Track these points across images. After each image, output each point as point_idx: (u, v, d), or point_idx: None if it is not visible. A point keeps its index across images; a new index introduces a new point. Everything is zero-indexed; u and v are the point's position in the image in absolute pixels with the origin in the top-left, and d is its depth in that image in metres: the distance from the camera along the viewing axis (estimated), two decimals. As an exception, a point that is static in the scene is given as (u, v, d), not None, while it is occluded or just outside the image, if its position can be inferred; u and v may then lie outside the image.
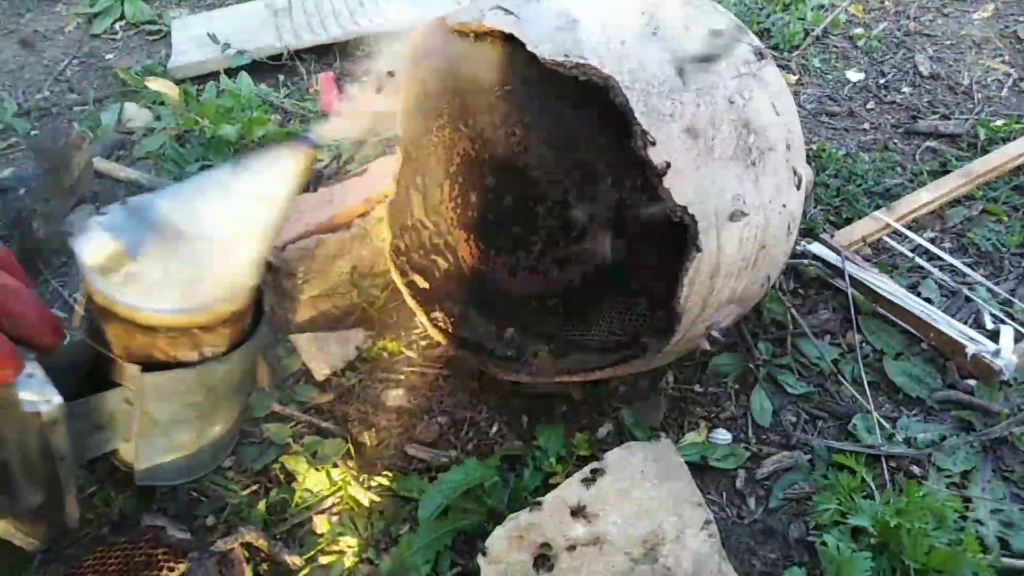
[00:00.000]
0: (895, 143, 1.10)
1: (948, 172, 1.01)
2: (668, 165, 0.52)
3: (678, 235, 0.55)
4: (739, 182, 0.55)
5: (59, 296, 0.89)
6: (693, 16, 0.59)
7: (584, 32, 0.55)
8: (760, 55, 0.60)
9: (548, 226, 0.63)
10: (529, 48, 0.54)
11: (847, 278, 0.82)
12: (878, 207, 0.96)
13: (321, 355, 0.77)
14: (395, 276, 0.76)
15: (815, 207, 0.96)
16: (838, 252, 0.84)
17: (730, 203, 0.54)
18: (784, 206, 0.59)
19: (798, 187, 0.61)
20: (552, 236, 0.63)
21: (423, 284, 0.74)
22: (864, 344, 0.80)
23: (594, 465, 0.61)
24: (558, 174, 0.60)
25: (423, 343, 0.81)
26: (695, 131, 0.53)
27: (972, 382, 0.74)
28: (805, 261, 0.86)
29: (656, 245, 0.58)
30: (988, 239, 0.92)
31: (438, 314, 0.73)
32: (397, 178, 0.75)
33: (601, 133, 0.57)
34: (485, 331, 0.70)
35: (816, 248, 0.86)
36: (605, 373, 0.63)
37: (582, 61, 0.53)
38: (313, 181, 1.02)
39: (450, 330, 0.73)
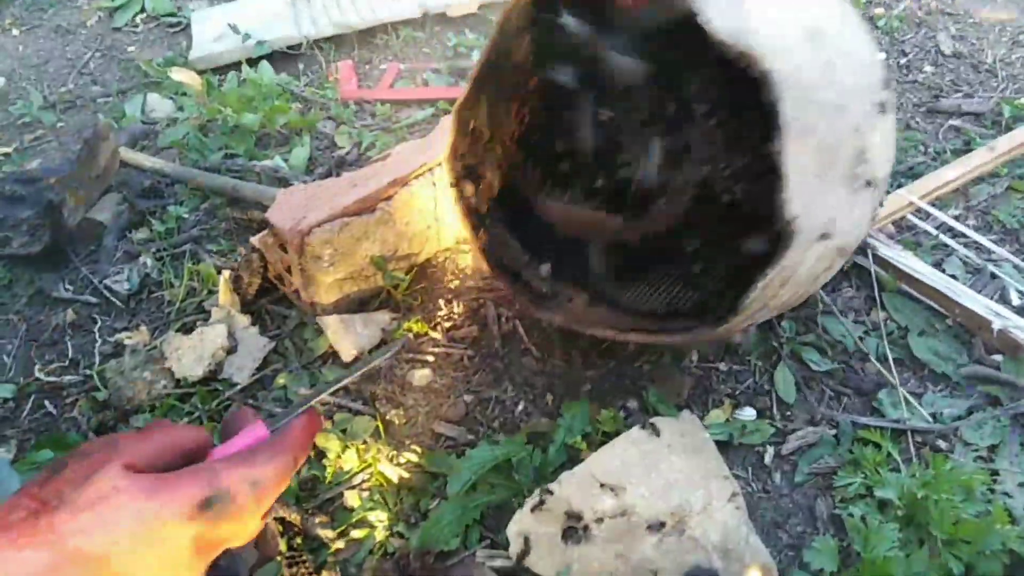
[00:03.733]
0: (917, 122, 1.09)
1: (972, 150, 1.00)
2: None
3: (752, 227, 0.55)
4: (838, 206, 0.54)
5: (89, 283, 0.91)
6: (858, 34, 0.57)
7: (754, 14, 0.51)
8: (888, 87, 0.59)
9: (618, 177, 0.64)
10: (701, 20, 0.50)
11: (870, 256, 0.82)
12: (901, 186, 0.95)
13: (348, 336, 0.78)
14: (448, 175, 0.75)
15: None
16: (861, 230, 0.84)
17: (824, 224, 0.54)
18: (860, 234, 0.59)
19: (872, 220, 0.61)
20: (618, 189, 0.64)
21: (470, 192, 0.75)
22: (889, 321, 0.80)
23: (620, 439, 0.62)
24: (646, 130, 0.61)
25: (447, 324, 0.82)
26: (824, 147, 0.52)
27: (999, 357, 0.74)
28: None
29: (732, 238, 0.58)
30: (1013, 215, 0.91)
31: (481, 231, 0.74)
32: (472, 83, 0.71)
33: (710, 108, 0.57)
34: (523, 260, 0.72)
35: (839, 226, 0.85)
36: (632, 337, 0.64)
37: (749, 50, 0.50)
38: (335, 166, 1.03)
39: (489, 248, 0.73)
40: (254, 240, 0.84)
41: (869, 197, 0.57)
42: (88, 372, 0.79)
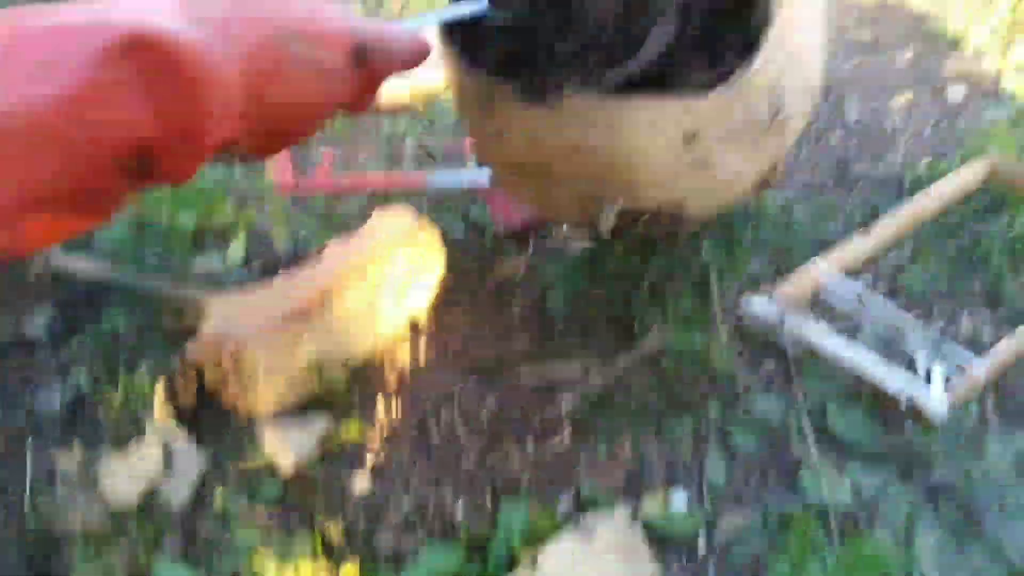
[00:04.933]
0: (830, 190, 1.15)
1: (879, 217, 1.06)
2: None
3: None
4: None
5: (19, 403, 0.90)
6: None
7: None
8: None
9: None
10: None
11: (786, 332, 0.86)
12: (816, 255, 1.01)
13: (285, 445, 0.79)
14: None
15: (756, 259, 1.01)
16: (777, 306, 0.88)
17: None
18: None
19: None
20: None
21: None
22: (808, 395, 0.83)
23: (553, 548, 0.64)
24: None
25: (386, 425, 0.83)
26: None
27: (911, 428, 0.78)
28: (746, 317, 0.90)
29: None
30: (918, 282, 0.97)
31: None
32: None
33: None
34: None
35: (757, 303, 0.90)
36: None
37: None
38: (271, 264, 1.04)
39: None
40: (190, 349, 0.84)
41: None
42: (16, 500, 0.78)
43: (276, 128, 0.36)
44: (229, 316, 0.82)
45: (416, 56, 0.41)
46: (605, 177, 0.62)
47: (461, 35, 0.62)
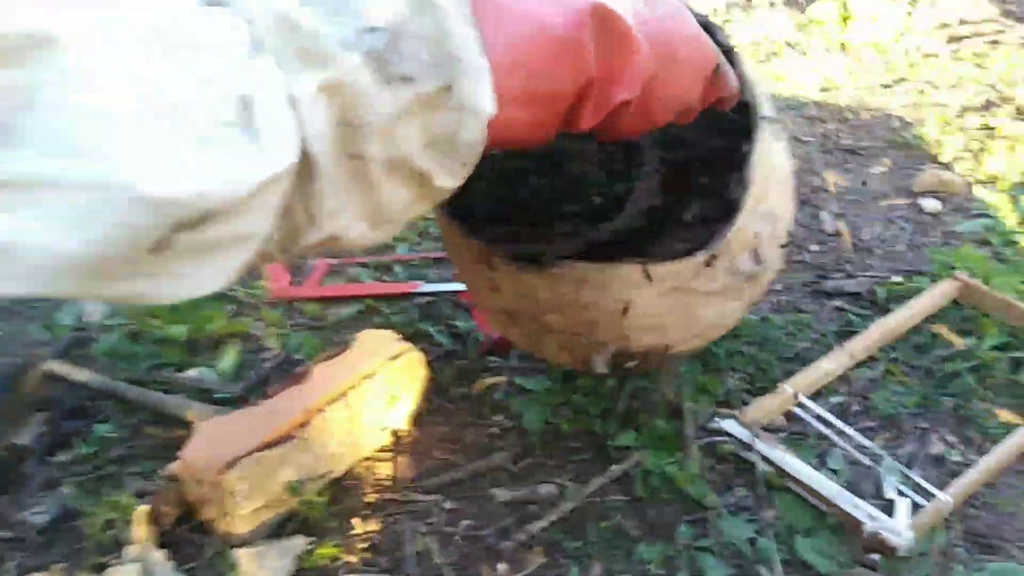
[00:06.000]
0: (805, 303, 1.19)
1: (853, 332, 1.09)
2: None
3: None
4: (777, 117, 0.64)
5: (3, 516, 0.92)
6: None
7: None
8: None
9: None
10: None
11: (757, 455, 0.88)
12: (790, 373, 1.03)
13: (261, 569, 0.80)
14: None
15: (731, 375, 1.03)
16: (748, 428, 0.90)
17: (776, 121, 0.62)
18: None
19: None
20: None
21: None
22: (778, 520, 0.85)
23: None
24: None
25: (362, 545, 0.85)
26: None
27: (877, 556, 0.79)
28: (719, 439, 0.92)
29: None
30: (889, 401, 0.99)
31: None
32: None
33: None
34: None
35: (729, 425, 0.92)
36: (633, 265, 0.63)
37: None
38: (262, 375, 1.06)
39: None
40: (172, 469, 0.87)
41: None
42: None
43: (651, 109, 0.46)
44: (214, 437, 0.85)
45: (736, 94, 0.53)
46: (596, 327, 0.65)
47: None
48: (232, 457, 0.82)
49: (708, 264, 0.62)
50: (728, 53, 0.60)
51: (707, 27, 0.62)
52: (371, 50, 0.32)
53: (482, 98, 0.35)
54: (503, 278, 0.64)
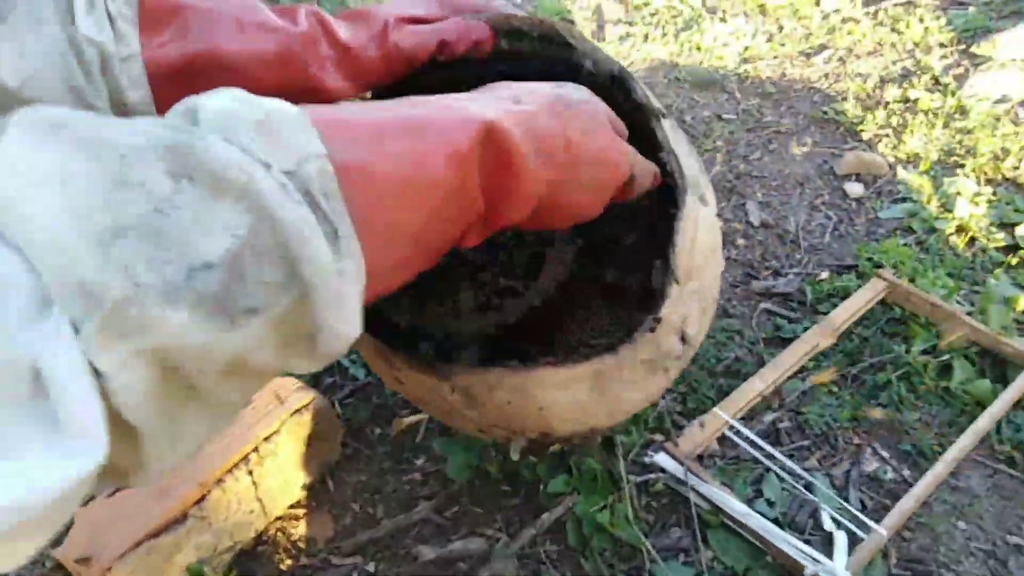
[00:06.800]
0: (734, 306, 1.15)
1: (783, 339, 1.06)
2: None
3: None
4: (701, 176, 0.59)
5: None
6: None
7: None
8: None
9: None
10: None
11: (691, 494, 0.84)
12: (721, 388, 1.00)
13: (162, 670, 0.73)
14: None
15: (662, 398, 0.99)
16: (681, 463, 0.86)
17: (700, 186, 0.57)
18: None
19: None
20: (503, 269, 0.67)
21: None
22: (715, 561, 0.82)
23: None
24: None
25: (276, 627, 0.78)
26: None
27: (816, 597, 0.77)
28: (652, 476, 0.88)
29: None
30: (821, 416, 0.96)
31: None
32: None
33: None
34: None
35: (662, 459, 0.88)
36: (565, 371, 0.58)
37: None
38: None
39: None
40: (57, 555, 0.77)
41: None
42: None
43: (542, 221, 0.42)
44: (96, 524, 0.75)
45: (653, 185, 0.51)
46: (514, 422, 0.59)
47: None
48: (119, 550, 0.73)
49: (633, 352, 0.55)
50: (646, 112, 0.53)
51: (624, 84, 0.54)
52: (203, 294, 0.24)
53: (344, 324, 0.29)
54: (407, 377, 0.57)
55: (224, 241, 0.25)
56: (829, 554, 0.78)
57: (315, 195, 0.27)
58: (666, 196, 0.55)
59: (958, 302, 1.09)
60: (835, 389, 1.00)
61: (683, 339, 0.58)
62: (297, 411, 0.86)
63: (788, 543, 0.78)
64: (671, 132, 0.55)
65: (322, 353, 0.29)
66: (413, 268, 0.34)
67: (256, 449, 0.82)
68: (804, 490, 0.87)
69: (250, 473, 0.81)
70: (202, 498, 0.78)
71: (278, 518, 0.88)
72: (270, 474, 0.84)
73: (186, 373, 0.26)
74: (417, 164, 0.32)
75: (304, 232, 0.26)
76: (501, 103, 0.38)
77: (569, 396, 0.54)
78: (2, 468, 0.21)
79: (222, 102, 0.27)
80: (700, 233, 0.56)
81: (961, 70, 1.64)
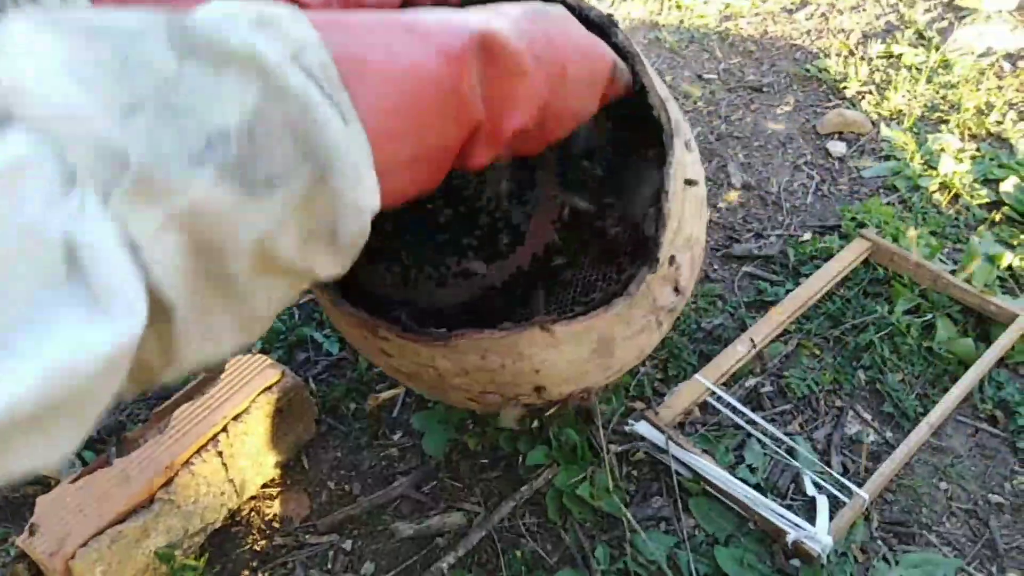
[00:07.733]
0: (715, 270, 1.13)
1: (765, 302, 1.05)
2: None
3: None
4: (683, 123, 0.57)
5: None
6: None
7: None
8: None
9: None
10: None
11: (672, 462, 0.83)
12: (702, 353, 0.98)
13: (134, 656, 0.71)
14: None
15: (642, 364, 0.97)
16: (662, 431, 0.85)
17: (685, 132, 0.56)
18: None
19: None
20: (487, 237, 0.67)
21: None
22: (697, 529, 0.81)
23: None
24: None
25: (251, 608, 0.76)
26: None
27: (798, 563, 0.76)
28: (633, 445, 0.86)
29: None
30: (803, 379, 0.95)
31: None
32: None
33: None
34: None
35: (642, 428, 0.86)
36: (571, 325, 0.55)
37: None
38: (108, 453, 0.93)
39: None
40: (20, 543, 0.75)
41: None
42: None
43: (547, 129, 0.41)
44: (60, 512, 0.73)
45: (631, 85, 0.48)
46: (508, 386, 0.57)
47: None
48: (82, 538, 0.70)
49: (628, 307, 0.53)
50: (627, 57, 0.50)
51: (603, 28, 0.52)
52: (224, 159, 0.26)
53: (363, 194, 0.30)
54: (395, 347, 0.54)
55: (236, 109, 0.26)
56: (811, 519, 0.77)
57: (318, 78, 0.28)
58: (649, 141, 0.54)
59: (941, 260, 1.07)
60: (817, 352, 0.99)
61: (676, 289, 0.56)
62: (267, 389, 0.83)
63: (770, 509, 0.77)
64: (655, 78, 0.53)
65: (343, 244, 0.30)
66: (418, 174, 0.34)
67: (225, 429, 0.80)
68: (786, 455, 0.85)
69: (220, 454, 0.79)
70: (168, 481, 0.76)
71: (252, 498, 0.86)
72: (241, 454, 0.82)
73: (216, 249, 0.26)
74: (409, 56, 0.32)
75: (313, 99, 0.27)
76: (482, 14, 0.38)
77: (565, 355, 0.52)
78: (48, 337, 0.22)
79: (213, 8, 0.28)
80: (688, 175, 0.54)
81: (945, 23, 1.60)
